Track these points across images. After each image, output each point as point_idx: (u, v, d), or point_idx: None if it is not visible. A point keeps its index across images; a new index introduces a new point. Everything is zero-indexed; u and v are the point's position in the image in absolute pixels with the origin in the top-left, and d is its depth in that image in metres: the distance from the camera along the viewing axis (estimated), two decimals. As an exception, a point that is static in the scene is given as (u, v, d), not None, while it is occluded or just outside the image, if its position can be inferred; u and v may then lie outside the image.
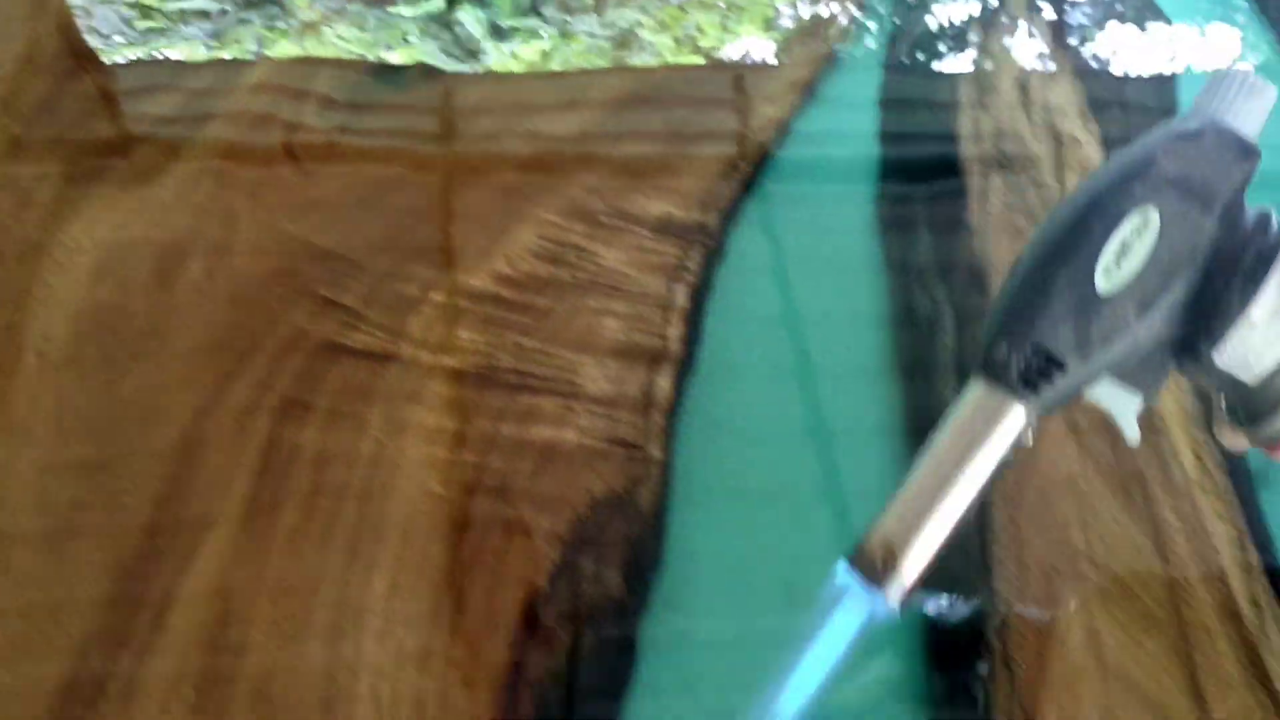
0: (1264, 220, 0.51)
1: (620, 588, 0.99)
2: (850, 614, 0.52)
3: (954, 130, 1.40)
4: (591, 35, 1.69)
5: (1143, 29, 1.70)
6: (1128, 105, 1.47)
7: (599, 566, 1.00)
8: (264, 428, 1.04)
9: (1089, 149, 1.35)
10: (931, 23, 1.68)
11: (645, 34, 1.70)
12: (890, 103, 1.45)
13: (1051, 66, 1.55)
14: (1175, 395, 1.14)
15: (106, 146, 1.26)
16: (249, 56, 1.54)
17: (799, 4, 1.76)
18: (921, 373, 1.16)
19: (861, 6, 1.69)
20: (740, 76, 1.51)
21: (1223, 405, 0.54)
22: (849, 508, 1.07)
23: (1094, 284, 0.50)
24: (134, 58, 1.52)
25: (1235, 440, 0.53)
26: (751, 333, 1.19)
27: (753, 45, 1.69)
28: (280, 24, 1.66)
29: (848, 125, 1.42)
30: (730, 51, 1.67)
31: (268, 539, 0.98)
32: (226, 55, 1.55)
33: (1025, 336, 0.51)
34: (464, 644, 0.94)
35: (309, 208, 1.21)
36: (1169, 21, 1.71)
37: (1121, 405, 0.53)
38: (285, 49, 1.60)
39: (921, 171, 1.35)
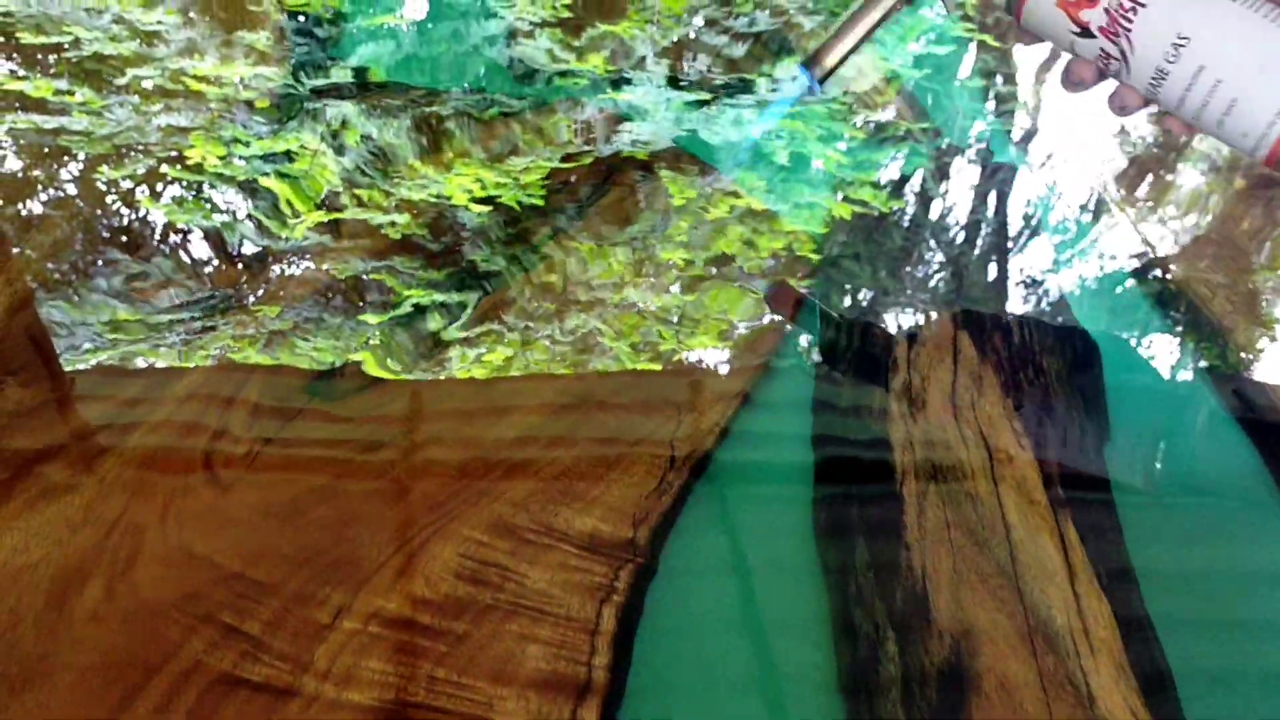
0: None
1: None
2: (798, 84, 1.01)
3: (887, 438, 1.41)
4: (553, 341, 1.72)
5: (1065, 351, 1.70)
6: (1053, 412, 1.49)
7: None
8: (144, 774, 0.95)
9: (1021, 464, 1.36)
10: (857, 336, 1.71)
11: (605, 340, 1.72)
12: (822, 406, 1.46)
13: (980, 380, 1.55)
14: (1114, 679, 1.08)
15: (22, 461, 1.22)
16: (208, 363, 1.55)
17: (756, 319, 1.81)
18: (864, 693, 1.09)
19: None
20: (676, 383, 1.53)
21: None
22: None
23: None
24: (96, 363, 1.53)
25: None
26: (684, 653, 1.13)
27: (707, 354, 1.72)
28: (250, 332, 1.67)
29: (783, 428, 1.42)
30: (687, 358, 1.70)
31: None
32: (190, 364, 1.56)
33: None
34: None
35: (222, 524, 1.17)
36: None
37: None
38: (252, 358, 1.60)
39: (856, 478, 1.35)
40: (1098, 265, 1.98)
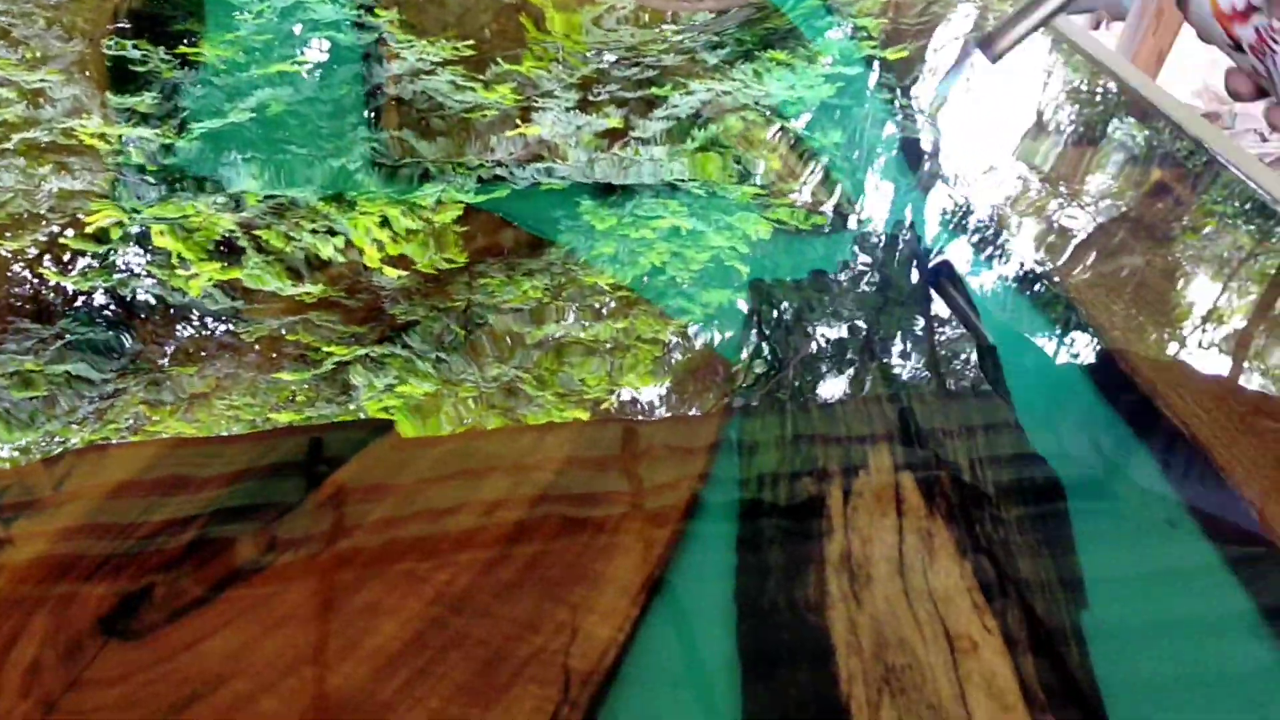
0: None
1: None
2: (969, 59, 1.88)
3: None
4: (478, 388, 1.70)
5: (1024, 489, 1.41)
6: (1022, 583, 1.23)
7: None
8: None
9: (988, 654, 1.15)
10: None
11: (527, 389, 1.70)
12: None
13: (930, 540, 1.29)
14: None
15: None
16: (120, 437, 1.50)
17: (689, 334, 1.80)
18: None
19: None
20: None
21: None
22: None
23: None
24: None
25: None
26: None
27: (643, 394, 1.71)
28: (168, 397, 1.62)
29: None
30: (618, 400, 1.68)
31: None
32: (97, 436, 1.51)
33: None
34: None
35: None
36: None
37: None
38: (171, 427, 1.56)
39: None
40: (998, 275, 2.03)
